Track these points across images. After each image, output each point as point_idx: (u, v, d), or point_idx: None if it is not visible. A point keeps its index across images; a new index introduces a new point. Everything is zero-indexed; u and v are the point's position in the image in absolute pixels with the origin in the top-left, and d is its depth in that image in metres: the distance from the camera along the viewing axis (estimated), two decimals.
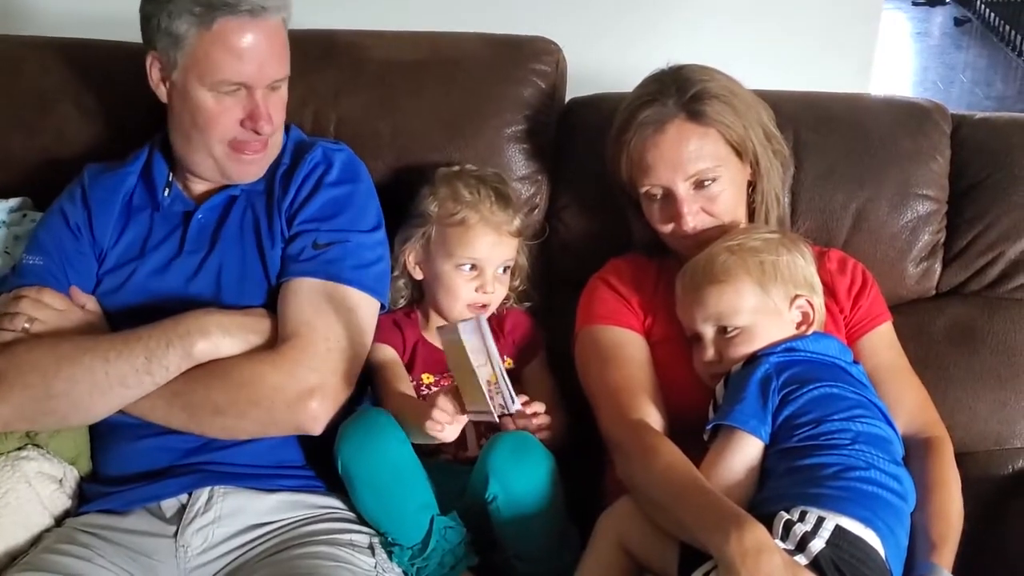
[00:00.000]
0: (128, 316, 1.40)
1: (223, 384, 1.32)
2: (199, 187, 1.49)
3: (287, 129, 1.54)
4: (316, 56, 1.65)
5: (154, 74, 1.41)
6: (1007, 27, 6.28)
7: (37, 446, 1.40)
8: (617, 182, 1.48)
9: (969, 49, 5.97)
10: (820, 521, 1.10)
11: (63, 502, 1.39)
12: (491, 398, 1.20)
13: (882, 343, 1.43)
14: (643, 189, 1.41)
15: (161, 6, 1.35)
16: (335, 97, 1.64)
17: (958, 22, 6.45)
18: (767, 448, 1.21)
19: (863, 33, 2.26)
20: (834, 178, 1.57)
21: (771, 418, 1.21)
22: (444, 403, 1.23)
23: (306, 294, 1.38)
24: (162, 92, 1.42)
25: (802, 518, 1.11)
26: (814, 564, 1.08)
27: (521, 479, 1.30)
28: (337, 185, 1.47)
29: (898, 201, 1.56)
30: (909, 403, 1.36)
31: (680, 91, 1.38)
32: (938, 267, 1.58)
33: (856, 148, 1.58)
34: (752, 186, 1.46)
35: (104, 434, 1.40)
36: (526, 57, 1.65)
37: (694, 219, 1.39)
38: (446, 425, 1.23)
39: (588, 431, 1.43)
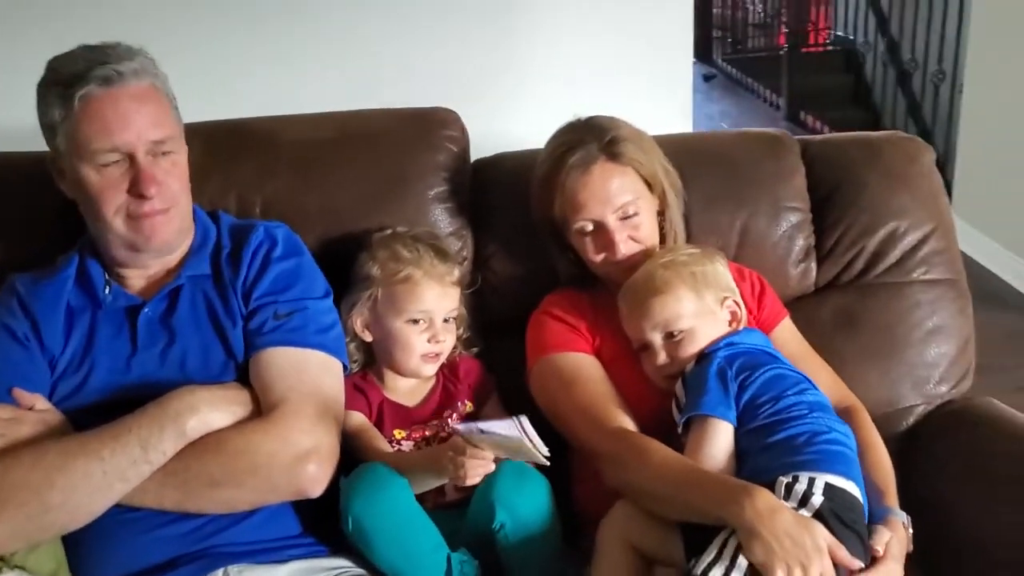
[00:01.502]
0: (92, 415, 1.37)
1: (218, 456, 1.32)
2: (137, 282, 1.49)
3: (215, 217, 1.58)
4: (231, 145, 1.71)
5: (55, 172, 1.43)
6: (748, 78, 7.11)
7: (16, 567, 1.32)
8: (546, 223, 1.62)
9: (722, 100, 6.68)
10: (812, 481, 1.26)
11: None
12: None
13: (788, 335, 1.63)
14: (576, 225, 1.56)
15: (40, 102, 1.39)
16: (257, 180, 1.69)
17: (706, 78, 7.20)
18: (736, 430, 1.36)
19: (681, 85, 2.60)
20: (718, 202, 1.77)
21: (734, 403, 1.37)
22: (476, 453, 1.33)
23: (280, 362, 1.42)
24: (64, 187, 1.43)
25: (796, 480, 1.27)
26: (816, 516, 1.23)
27: (526, 504, 1.38)
28: (285, 259, 1.52)
29: (773, 215, 1.79)
30: (824, 381, 1.55)
31: (598, 138, 1.55)
32: (814, 266, 1.81)
33: (731, 175, 1.79)
34: (661, 214, 1.65)
35: (87, 540, 1.35)
36: (435, 126, 1.78)
37: (624, 246, 1.55)
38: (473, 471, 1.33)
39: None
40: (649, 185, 1.60)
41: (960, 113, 4.28)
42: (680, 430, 1.41)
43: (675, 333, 1.47)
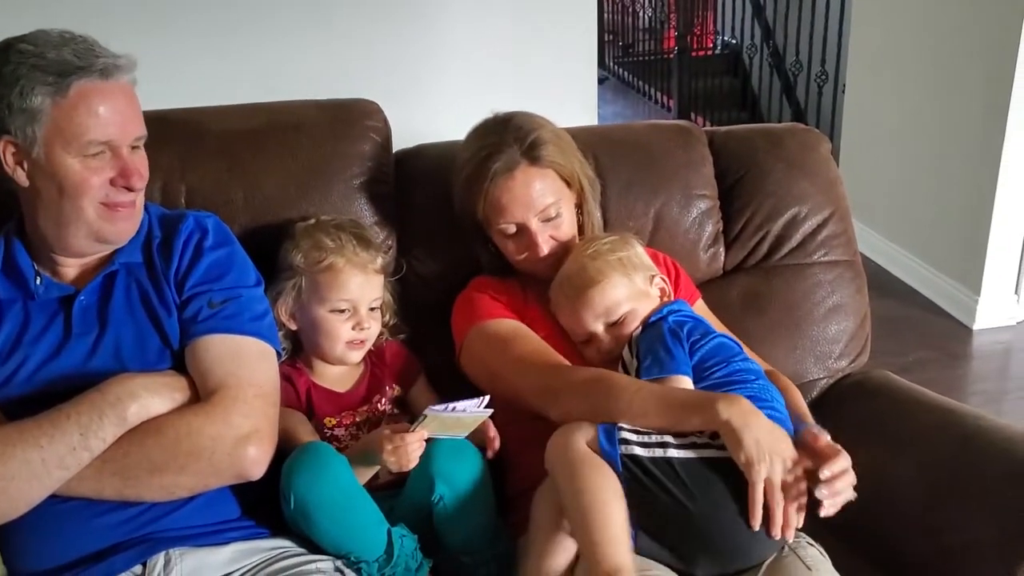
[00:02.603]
0: (25, 405, 1.35)
1: (159, 441, 1.32)
2: (71, 271, 1.47)
3: (144, 206, 1.57)
4: (152, 134, 1.67)
5: (8, 159, 1.38)
6: (637, 80, 7.32)
7: None
8: (469, 221, 1.66)
9: (615, 102, 6.85)
10: None
11: None
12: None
13: (703, 315, 1.73)
14: (499, 227, 1.61)
15: (8, 87, 1.33)
16: (181, 170, 1.69)
17: (600, 81, 7.37)
18: None
19: (586, 83, 2.70)
20: (633, 191, 1.86)
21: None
22: (413, 437, 1.38)
23: (218, 349, 1.43)
24: (20, 175, 1.38)
25: None
26: None
27: (463, 476, 1.43)
28: (216, 248, 1.53)
29: (684, 203, 1.88)
30: None
31: (519, 140, 1.59)
32: (722, 251, 1.91)
33: (644, 164, 1.88)
34: (578, 207, 1.71)
35: (23, 531, 1.33)
36: (358, 116, 1.81)
37: (546, 246, 1.61)
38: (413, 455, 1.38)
39: None
40: (568, 184, 1.66)
41: (842, 111, 4.51)
42: None
43: (616, 319, 1.53)
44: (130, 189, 1.41)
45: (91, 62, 1.34)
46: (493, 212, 1.61)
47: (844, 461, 1.33)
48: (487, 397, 1.39)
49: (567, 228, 1.64)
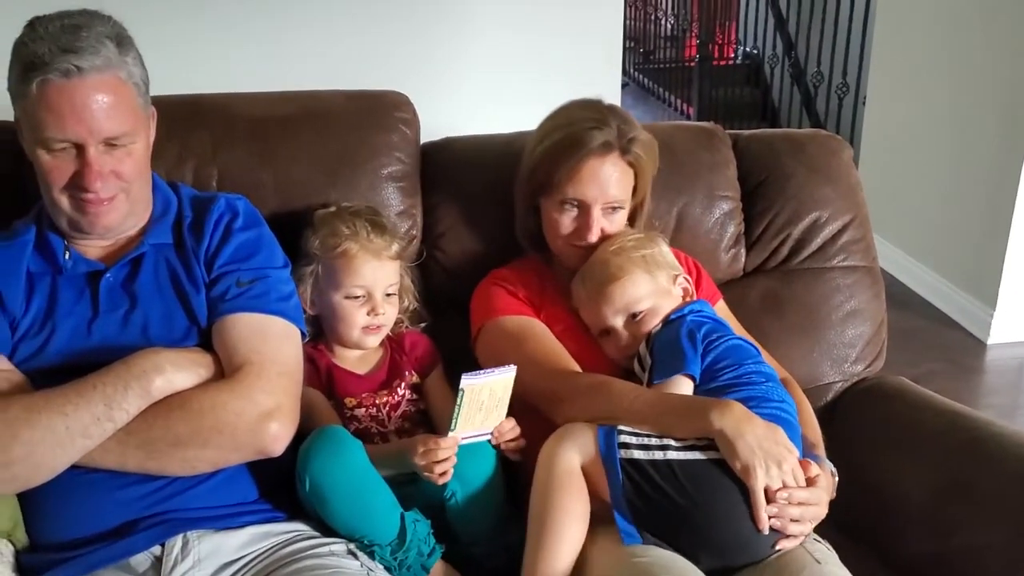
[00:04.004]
0: (53, 378, 1.36)
1: (184, 415, 1.34)
2: (95, 250, 1.49)
3: (175, 188, 1.60)
4: (185, 118, 1.71)
5: (19, 131, 1.41)
6: (657, 87, 7.35)
7: None
8: (536, 183, 1.65)
9: (635, 107, 6.85)
10: None
11: None
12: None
13: (723, 315, 1.74)
14: (564, 197, 1.61)
15: (10, 63, 1.36)
16: (213, 153, 1.72)
17: (621, 86, 7.38)
18: (695, 388, 1.45)
19: (610, 89, 2.73)
20: (657, 189, 1.83)
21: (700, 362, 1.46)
22: (447, 442, 1.41)
23: (244, 327, 1.45)
24: (27, 152, 1.41)
25: None
26: None
27: (475, 472, 1.46)
28: (246, 230, 1.55)
29: (707, 203, 1.90)
30: None
31: (620, 131, 1.61)
32: (743, 252, 1.93)
33: (669, 163, 1.86)
34: (630, 219, 1.71)
35: (46, 500, 1.36)
36: (388, 107, 1.83)
37: (593, 236, 1.62)
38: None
39: None
40: (635, 192, 1.68)
41: (862, 124, 4.52)
42: (646, 385, 1.48)
43: (636, 315, 1.55)
44: (86, 190, 1.39)
45: (57, 60, 1.31)
46: (569, 181, 1.60)
47: (812, 494, 1.36)
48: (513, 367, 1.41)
49: (618, 227, 1.65)
